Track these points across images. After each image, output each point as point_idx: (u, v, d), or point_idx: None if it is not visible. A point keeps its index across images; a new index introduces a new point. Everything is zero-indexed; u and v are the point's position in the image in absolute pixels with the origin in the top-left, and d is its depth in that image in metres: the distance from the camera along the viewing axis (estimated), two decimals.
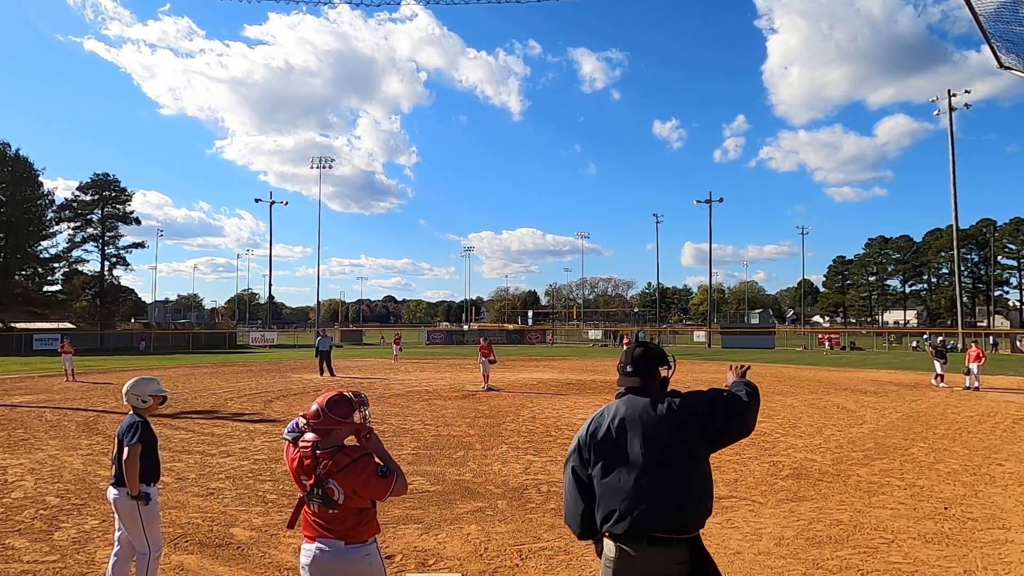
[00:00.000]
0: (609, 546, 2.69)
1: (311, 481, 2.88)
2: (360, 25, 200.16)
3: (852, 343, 53.60)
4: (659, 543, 2.59)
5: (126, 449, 4.08)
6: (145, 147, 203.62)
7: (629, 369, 2.90)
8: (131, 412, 4.32)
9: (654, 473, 2.65)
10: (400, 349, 34.78)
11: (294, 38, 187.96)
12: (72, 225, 57.57)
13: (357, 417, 2.95)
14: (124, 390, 4.37)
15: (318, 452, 2.88)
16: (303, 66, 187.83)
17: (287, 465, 3.01)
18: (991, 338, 50.58)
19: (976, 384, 18.99)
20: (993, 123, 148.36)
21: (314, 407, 2.92)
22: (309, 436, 2.93)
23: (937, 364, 20.56)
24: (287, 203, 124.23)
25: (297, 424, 3.05)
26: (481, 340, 23.10)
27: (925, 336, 55.50)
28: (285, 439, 3.04)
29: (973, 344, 21.08)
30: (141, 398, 4.32)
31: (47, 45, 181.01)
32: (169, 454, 9.31)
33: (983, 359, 19.55)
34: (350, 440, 2.99)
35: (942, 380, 20.07)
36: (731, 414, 2.75)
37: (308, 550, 2.91)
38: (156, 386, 4.39)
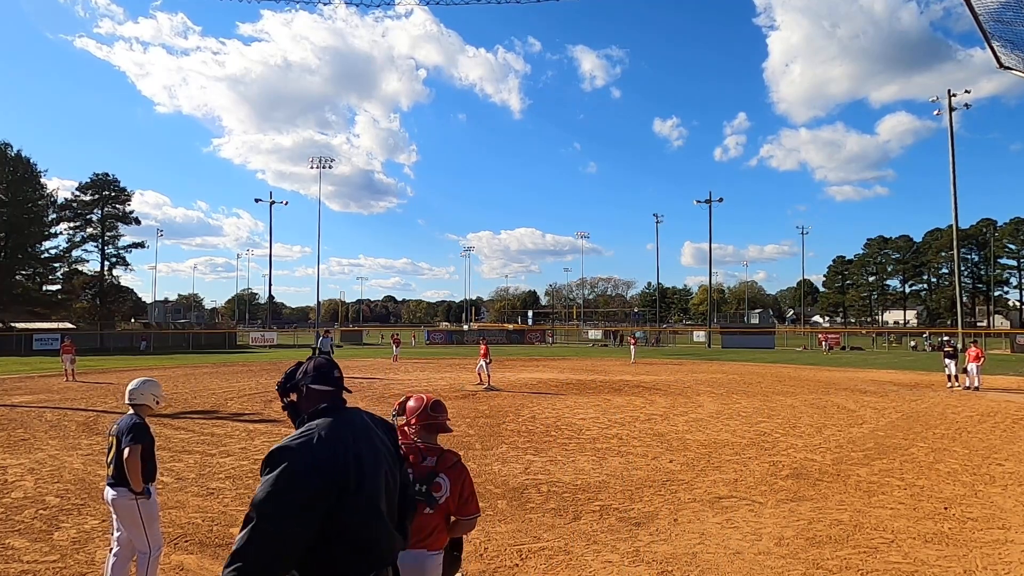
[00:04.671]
0: None
1: (413, 476, 2.77)
2: (357, 22, 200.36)
3: (869, 337, 53.23)
4: None
5: (127, 449, 4.10)
6: (142, 146, 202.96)
7: (338, 374, 2.36)
8: (130, 412, 4.33)
9: None
10: (399, 348, 34.89)
11: (289, 35, 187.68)
12: (72, 225, 57.62)
13: None
14: (134, 388, 4.37)
15: (421, 446, 2.88)
16: (301, 63, 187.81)
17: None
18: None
19: (976, 384, 19.00)
20: (997, 121, 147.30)
21: (434, 399, 3.03)
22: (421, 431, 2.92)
23: (950, 366, 20.26)
24: (287, 203, 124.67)
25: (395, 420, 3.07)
26: (481, 341, 23.27)
27: (925, 336, 55.49)
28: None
29: (972, 344, 21.07)
30: (157, 399, 4.47)
31: (38, 43, 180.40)
32: (169, 454, 9.31)
33: (982, 359, 19.56)
34: None
35: (956, 380, 19.82)
36: None
37: None
38: (160, 389, 4.56)
